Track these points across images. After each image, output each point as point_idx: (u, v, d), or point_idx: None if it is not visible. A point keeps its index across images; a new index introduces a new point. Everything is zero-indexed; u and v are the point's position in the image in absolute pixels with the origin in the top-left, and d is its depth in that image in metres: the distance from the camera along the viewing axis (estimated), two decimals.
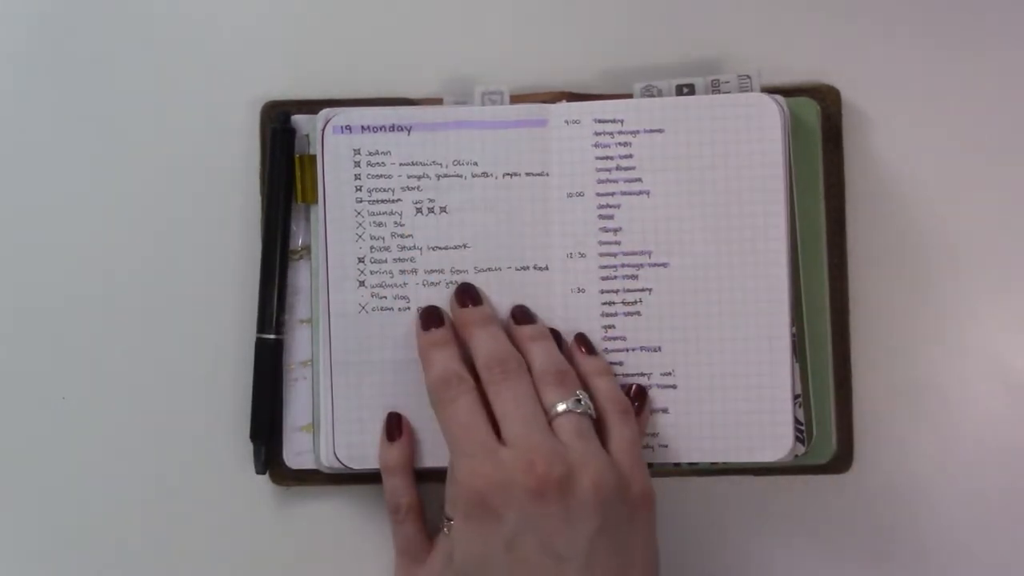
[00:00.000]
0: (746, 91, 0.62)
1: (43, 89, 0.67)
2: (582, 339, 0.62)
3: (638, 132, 0.62)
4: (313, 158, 0.63)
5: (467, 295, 0.62)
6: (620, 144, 0.62)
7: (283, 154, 0.64)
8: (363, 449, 0.63)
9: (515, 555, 0.55)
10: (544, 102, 0.63)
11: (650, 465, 0.63)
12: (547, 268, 0.63)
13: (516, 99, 0.64)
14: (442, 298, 0.63)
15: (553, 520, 0.55)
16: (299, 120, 0.64)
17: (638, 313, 0.63)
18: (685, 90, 0.63)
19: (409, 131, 0.63)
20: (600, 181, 0.63)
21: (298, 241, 0.65)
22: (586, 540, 0.55)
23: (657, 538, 0.58)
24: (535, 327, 0.62)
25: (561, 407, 0.58)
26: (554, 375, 0.59)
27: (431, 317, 0.62)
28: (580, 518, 0.55)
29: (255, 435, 0.64)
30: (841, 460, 0.64)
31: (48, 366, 0.66)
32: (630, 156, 0.62)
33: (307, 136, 0.64)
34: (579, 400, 0.58)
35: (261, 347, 0.64)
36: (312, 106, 0.64)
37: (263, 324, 0.64)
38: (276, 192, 0.64)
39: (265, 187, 0.65)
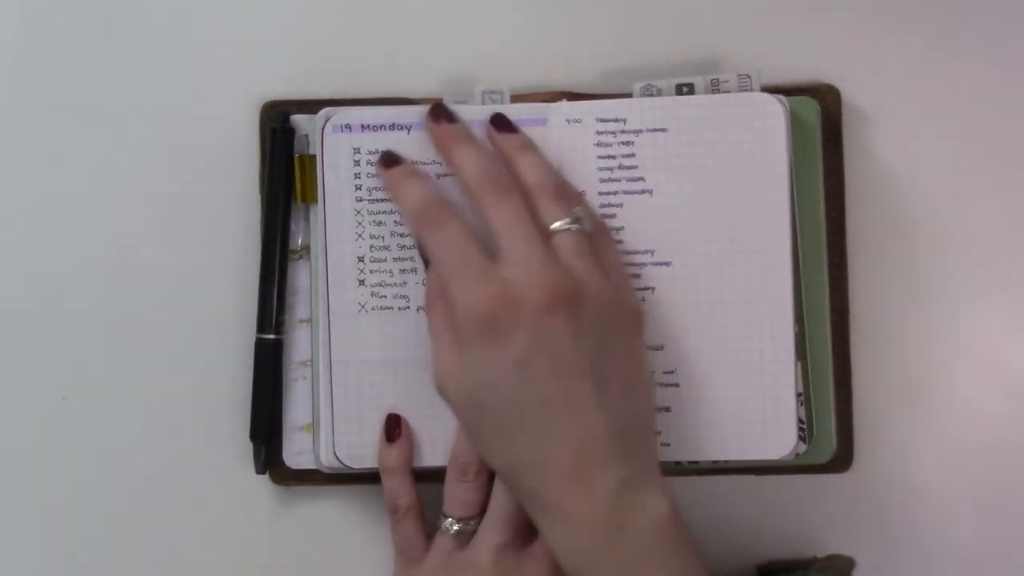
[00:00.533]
0: (746, 91, 0.63)
1: (42, 89, 0.66)
2: (498, 118, 0.61)
3: (641, 131, 0.62)
4: (313, 158, 0.63)
5: (441, 112, 0.60)
6: (623, 143, 0.62)
7: (283, 154, 0.64)
8: (363, 449, 0.63)
9: (527, 373, 0.54)
10: (544, 101, 0.63)
11: None
12: None
13: (516, 99, 0.64)
14: None
15: (563, 337, 0.54)
16: (299, 120, 0.64)
17: None
18: (685, 90, 0.63)
19: (409, 130, 0.63)
20: (602, 180, 0.63)
21: (298, 241, 0.64)
22: (595, 355, 0.55)
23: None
24: (519, 136, 0.60)
25: (558, 224, 0.57)
26: (551, 189, 0.58)
27: (391, 153, 0.61)
28: (587, 334, 0.55)
29: (255, 435, 0.64)
30: (841, 460, 0.64)
31: (48, 366, 0.66)
32: (633, 155, 0.62)
33: (307, 136, 0.64)
34: (578, 218, 0.57)
35: (261, 347, 0.64)
36: (312, 106, 0.64)
37: (263, 324, 0.64)
38: (276, 192, 0.64)
39: (265, 187, 0.65)
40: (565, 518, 0.55)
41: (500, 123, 0.61)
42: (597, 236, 0.59)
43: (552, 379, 0.54)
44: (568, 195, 0.58)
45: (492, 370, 0.55)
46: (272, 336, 0.64)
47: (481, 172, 0.58)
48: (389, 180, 0.60)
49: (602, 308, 0.55)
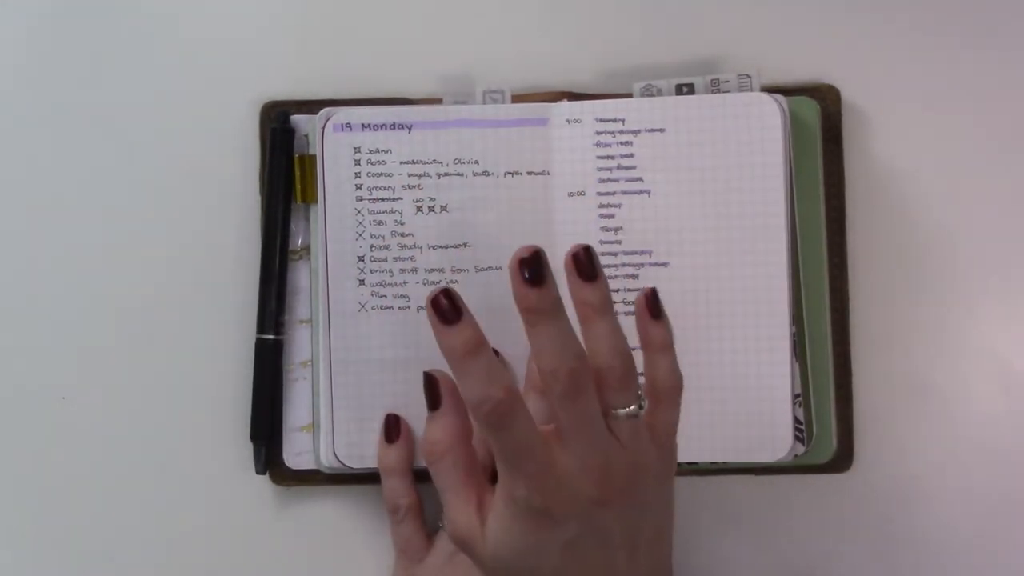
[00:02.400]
0: (746, 90, 0.62)
1: (42, 89, 0.67)
2: (652, 299, 0.55)
3: (639, 131, 0.62)
4: (313, 158, 0.63)
5: (536, 271, 0.52)
6: (621, 143, 0.62)
7: (283, 154, 0.64)
8: (363, 449, 0.63)
9: (574, 553, 0.54)
10: (544, 101, 0.63)
11: None
12: None
13: (517, 98, 0.64)
14: None
15: (612, 522, 0.54)
16: (299, 120, 0.64)
17: None
18: (685, 89, 0.63)
19: (410, 129, 0.63)
20: (601, 180, 0.63)
21: (298, 241, 0.65)
22: (635, 526, 0.55)
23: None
24: (600, 292, 0.53)
25: (621, 412, 0.54)
26: (619, 378, 0.53)
27: (452, 308, 0.53)
28: (632, 511, 0.55)
29: (255, 435, 0.64)
30: (841, 460, 0.64)
31: (48, 366, 0.66)
32: (631, 155, 0.62)
33: (307, 136, 0.64)
34: (640, 407, 0.54)
35: (261, 347, 0.64)
36: (312, 106, 0.64)
37: (263, 325, 0.64)
38: (276, 192, 0.64)
39: (265, 187, 0.65)
40: None
41: (584, 263, 0.54)
42: (662, 399, 0.55)
43: (595, 554, 0.55)
44: (632, 377, 0.54)
45: (538, 546, 0.54)
46: (272, 336, 0.64)
47: (561, 365, 0.52)
48: (446, 348, 0.53)
49: (651, 486, 0.55)
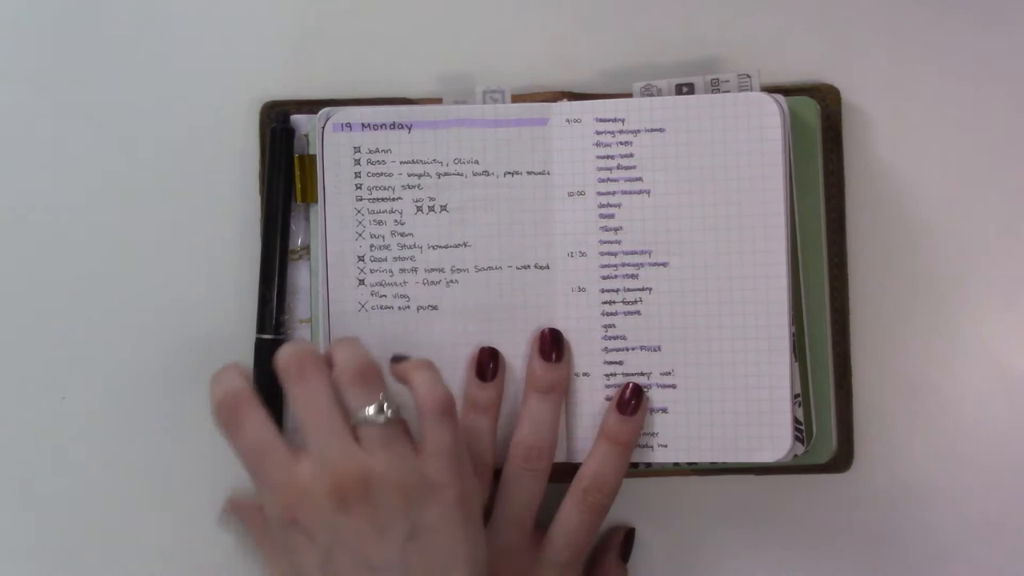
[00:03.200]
0: (746, 90, 0.62)
1: (42, 89, 0.66)
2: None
3: (639, 131, 0.62)
4: (313, 158, 0.63)
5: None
6: (621, 143, 0.62)
7: (283, 153, 0.64)
8: None
9: (330, 571, 0.54)
10: (544, 101, 0.63)
11: (648, 465, 0.63)
12: (548, 267, 0.63)
13: (516, 98, 0.64)
14: (442, 297, 0.63)
15: (362, 532, 0.54)
16: (299, 120, 0.64)
17: (638, 312, 0.62)
18: (685, 89, 0.63)
19: (410, 129, 0.63)
20: (601, 180, 0.63)
21: (298, 241, 0.65)
22: (398, 547, 0.54)
23: (483, 534, 0.57)
24: (347, 337, 0.59)
25: (362, 414, 0.55)
26: (353, 374, 0.56)
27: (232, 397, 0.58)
28: (388, 526, 0.54)
29: None
30: (841, 460, 0.64)
31: (48, 366, 0.66)
32: (631, 155, 0.62)
33: (306, 136, 0.64)
34: (382, 406, 0.55)
35: (261, 347, 0.64)
36: (312, 106, 0.64)
37: (263, 324, 0.64)
38: (275, 191, 0.64)
39: (264, 187, 0.64)
40: None
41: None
42: (426, 420, 0.56)
43: (357, 574, 0.54)
44: (372, 380, 0.56)
45: (299, 568, 0.55)
46: (271, 336, 0.64)
47: (289, 352, 0.57)
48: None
49: (404, 497, 0.54)
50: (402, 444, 0.55)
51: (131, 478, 0.66)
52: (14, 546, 0.67)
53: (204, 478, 0.66)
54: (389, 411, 0.55)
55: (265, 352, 0.64)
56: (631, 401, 0.62)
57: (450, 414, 0.57)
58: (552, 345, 0.62)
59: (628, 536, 0.65)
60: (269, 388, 0.64)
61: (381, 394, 0.56)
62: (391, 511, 0.54)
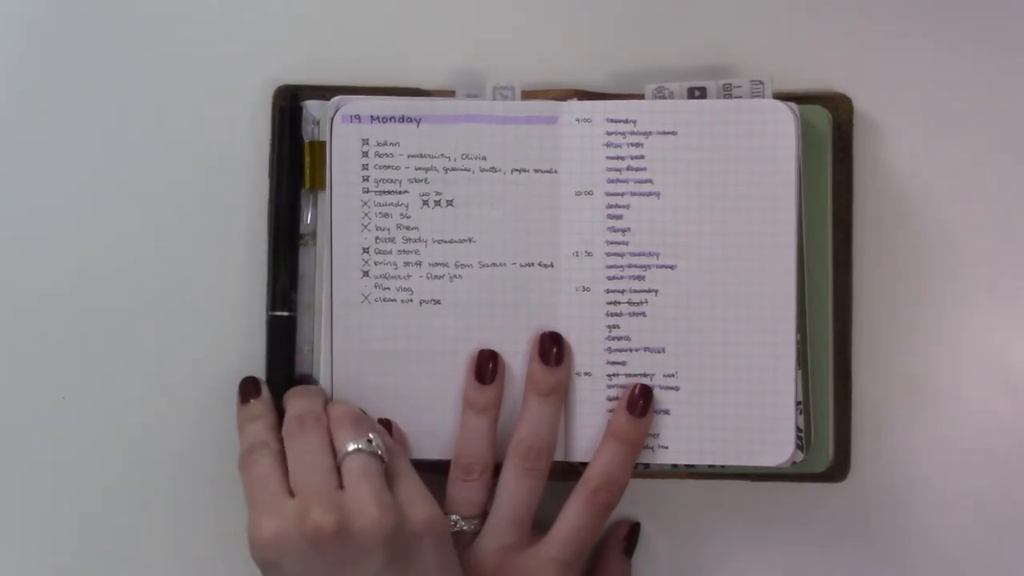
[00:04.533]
0: (758, 96, 0.63)
1: (52, 69, 0.66)
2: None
3: (651, 133, 0.62)
4: (323, 144, 0.63)
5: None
6: (632, 144, 0.63)
7: (290, 132, 0.63)
8: None
9: None
10: (555, 99, 0.63)
11: (647, 466, 0.63)
12: (552, 265, 0.63)
13: (527, 95, 0.64)
14: (445, 291, 0.63)
15: (334, 564, 0.55)
16: (311, 105, 0.64)
17: (643, 314, 0.63)
18: (697, 93, 0.63)
19: (418, 123, 0.63)
20: (610, 180, 0.63)
21: (307, 218, 0.64)
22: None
23: (457, 561, 0.59)
24: (341, 400, 0.63)
25: (351, 447, 0.58)
26: (348, 418, 0.59)
27: (248, 389, 0.63)
28: (360, 559, 0.55)
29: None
30: (838, 469, 0.64)
31: (48, 366, 0.66)
32: (641, 157, 0.62)
33: (318, 122, 0.64)
34: (370, 441, 0.58)
35: (274, 324, 0.64)
36: (325, 92, 0.64)
37: (274, 302, 0.64)
38: (283, 170, 0.63)
39: (273, 167, 0.64)
40: None
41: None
42: (392, 459, 0.59)
43: None
44: (362, 423, 0.60)
45: None
46: (284, 313, 0.63)
47: (294, 413, 0.60)
48: (238, 420, 0.63)
49: (376, 531, 0.55)
50: (380, 477, 0.57)
51: (132, 478, 0.66)
52: (14, 546, 0.66)
53: (204, 477, 0.66)
54: (373, 444, 0.58)
55: (278, 328, 0.64)
56: (640, 401, 0.62)
57: (406, 452, 0.62)
58: (552, 349, 0.62)
59: (633, 531, 0.65)
60: (283, 365, 0.64)
61: (370, 435, 0.58)
62: (364, 545, 0.55)
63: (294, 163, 0.64)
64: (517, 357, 0.63)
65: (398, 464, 0.59)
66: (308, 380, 0.64)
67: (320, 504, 0.55)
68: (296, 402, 0.61)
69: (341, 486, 0.57)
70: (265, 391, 0.63)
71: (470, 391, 0.62)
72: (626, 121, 0.63)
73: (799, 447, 0.62)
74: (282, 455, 0.59)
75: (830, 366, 0.64)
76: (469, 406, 0.62)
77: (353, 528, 0.55)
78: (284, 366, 0.64)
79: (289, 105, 0.64)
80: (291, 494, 0.57)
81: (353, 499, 0.56)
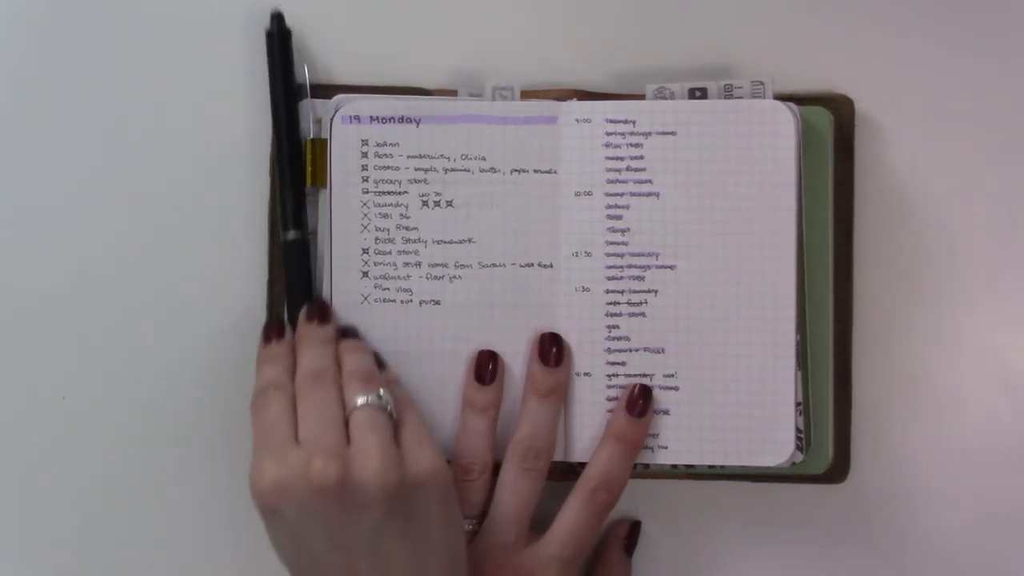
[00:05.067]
0: (759, 97, 0.63)
1: (52, 69, 0.66)
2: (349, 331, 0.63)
3: (650, 134, 0.62)
4: (324, 142, 0.63)
5: (317, 311, 0.62)
6: (631, 145, 0.63)
7: (282, 55, 0.64)
8: None
9: (303, 548, 0.56)
10: (554, 99, 0.63)
11: (646, 466, 0.63)
12: (551, 266, 0.63)
13: (526, 95, 0.64)
14: (444, 292, 0.63)
15: (334, 513, 0.55)
16: (314, 104, 0.64)
17: (643, 314, 0.63)
18: (698, 94, 0.63)
19: (418, 123, 0.63)
20: (609, 181, 0.63)
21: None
22: (370, 530, 0.55)
23: (459, 513, 0.59)
24: (354, 340, 0.62)
25: (360, 401, 0.58)
26: (359, 373, 0.59)
27: (271, 329, 0.62)
28: (361, 509, 0.55)
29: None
30: (838, 470, 0.64)
31: (48, 366, 0.66)
32: (641, 157, 0.62)
33: (319, 121, 0.64)
34: (379, 396, 0.58)
35: (289, 248, 0.63)
36: (327, 90, 0.64)
37: (285, 223, 0.63)
38: (277, 89, 0.64)
39: (274, 165, 0.64)
40: None
41: (346, 331, 0.63)
42: (401, 410, 0.59)
43: (327, 555, 0.56)
44: (373, 378, 0.60)
45: (277, 535, 0.57)
46: (296, 234, 0.63)
47: (309, 366, 0.60)
48: (257, 356, 0.62)
49: (379, 482, 0.55)
50: (388, 431, 0.57)
51: (132, 478, 0.66)
52: (15, 546, 0.66)
53: (205, 477, 0.66)
54: (382, 399, 0.58)
55: (293, 252, 0.63)
56: (639, 401, 0.62)
57: (412, 403, 0.61)
58: (551, 349, 0.62)
59: (633, 529, 0.65)
60: (301, 287, 0.64)
61: (380, 389, 0.58)
62: (366, 495, 0.55)
63: (284, 66, 0.64)
64: (517, 357, 0.63)
65: (407, 415, 0.59)
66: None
67: (324, 455, 0.55)
68: (310, 353, 0.60)
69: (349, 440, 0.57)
70: (289, 335, 0.62)
71: (470, 391, 0.63)
72: (625, 121, 0.63)
73: (799, 448, 0.62)
74: (295, 400, 0.59)
75: (830, 367, 0.64)
76: (468, 406, 0.62)
77: (355, 479, 0.55)
78: (302, 288, 0.64)
79: (277, 29, 0.64)
80: (298, 442, 0.57)
81: (358, 452, 0.56)
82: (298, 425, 0.57)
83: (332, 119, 0.63)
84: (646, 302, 0.62)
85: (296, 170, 0.63)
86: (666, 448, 0.63)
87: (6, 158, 0.66)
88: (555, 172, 0.63)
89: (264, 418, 0.58)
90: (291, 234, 0.63)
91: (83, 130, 0.66)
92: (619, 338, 0.63)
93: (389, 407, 0.58)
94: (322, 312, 0.62)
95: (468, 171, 0.63)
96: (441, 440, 0.63)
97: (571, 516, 0.62)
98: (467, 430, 0.62)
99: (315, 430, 0.57)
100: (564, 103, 0.63)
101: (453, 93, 0.64)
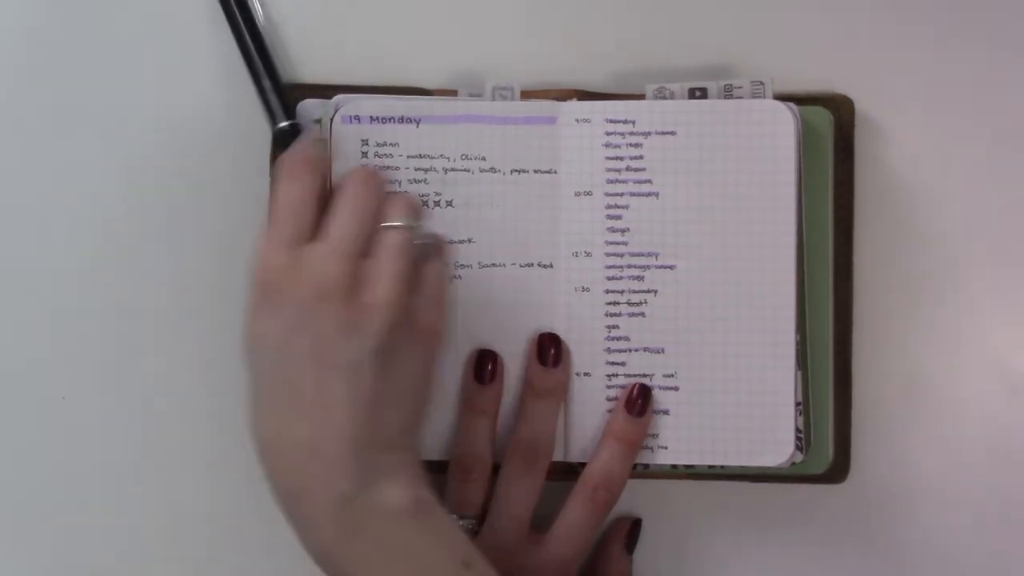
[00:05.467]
0: (759, 97, 0.63)
1: (52, 70, 0.66)
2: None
3: (650, 134, 0.62)
4: (324, 142, 0.63)
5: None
6: (631, 145, 0.63)
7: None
8: None
9: (286, 349, 0.55)
10: (554, 100, 0.63)
11: (646, 466, 0.63)
12: (551, 266, 0.63)
13: (526, 95, 0.64)
14: None
15: (329, 326, 0.54)
16: (313, 104, 0.64)
17: (643, 314, 0.63)
18: (698, 94, 0.63)
19: (418, 123, 0.63)
20: (609, 181, 0.63)
21: None
22: (357, 354, 0.55)
23: (434, 378, 0.59)
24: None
25: (398, 222, 0.57)
26: (408, 199, 0.59)
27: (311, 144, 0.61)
28: (357, 332, 0.55)
29: None
30: (838, 470, 0.64)
31: (48, 366, 0.66)
32: (641, 157, 0.62)
33: (319, 121, 0.64)
34: (413, 225, 0.57)
35: (280, 138, 0.63)
36: (326, 91, 0.64)
37: (273, 114, 0.63)
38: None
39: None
40: (298, 504, 0.56)
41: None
42: (430, 248, 0.59)
43: (308, 363, 0.55)
44: (417, 208, 0.59)
45: (261, 331, 0.56)
46: (288, 123, 0.63)
47: (361, 173, 0.59)
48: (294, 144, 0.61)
49: (382, 311, 0.55)
50: (409, 267, 0.57)
51: (132, 478, 0.66)
52: (15, 546, 0.66)
53: (207, 477, 0.66)
54: (420, 232, 0.58)
55: (285, 143, 0.62)
56: (638, 401, 0.62)
57: (446, 249, 0.61)
58: (550, 349, 0.62)
59: (634, 527, 0.65)
60: None
61: (423, 221, 0.58)
62: (366, 320, 0.54)
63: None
64: (516, 357, 0.63)
65: (433, 264, 0.59)
66: None
67: (340, 259, 0.55)
68: (365, 171, 0.59)
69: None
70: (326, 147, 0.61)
71: (469, 391, 0.63)
72: (625, 121, 0.63)
73: (799, 448, 0.62)
74: (324, 191, 0.58)
75: (830, 367, 0.64)
76: (468, 406, 0.62)
77: (359, 298, 0.55)
78: None
79: (291, 128, 0.63)
80: (317, 233, 0.56)
81: (373, 271, 0.55)
82: (329, 214, 0.56)
83: (332, 119, 0.63)
84: (646, 302, 0.62)
85: (268, 62, 0.64)
86: (666, 448, 0.63)
87: (7, 159, 0.66)
88: (555, 172, 0.63)
89: (291, 193, 0.57)
90: (284, 124, 0.63)
91: (83, 128, 0.66)
92: (619, 338, 0.63)
93: (423, 239, 0.57)
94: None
95: (468, 171, 0.63)
96: (441, 440, 0.63)
97: (571, 516, 0.62)
98: (467, 430, 0.62)
99: (341, 229, 0.56)
100: (564, 103, 0.63)
101: (453, 93, 0.64)
